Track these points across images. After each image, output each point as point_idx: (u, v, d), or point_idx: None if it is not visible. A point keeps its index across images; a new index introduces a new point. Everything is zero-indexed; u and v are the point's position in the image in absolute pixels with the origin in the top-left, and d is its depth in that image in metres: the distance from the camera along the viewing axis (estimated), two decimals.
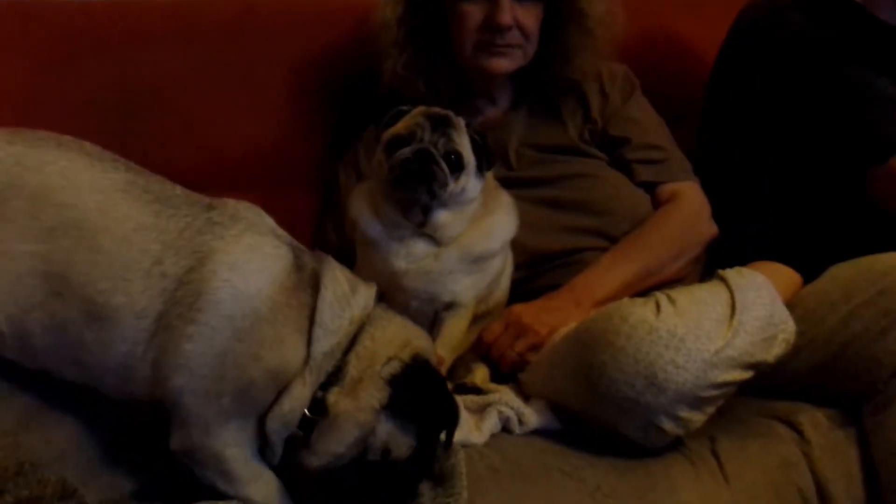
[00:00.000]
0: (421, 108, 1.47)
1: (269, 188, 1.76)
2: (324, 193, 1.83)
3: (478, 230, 1.49)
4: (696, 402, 1.23)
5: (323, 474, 1.03)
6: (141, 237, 1.02)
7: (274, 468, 1.06)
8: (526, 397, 1.39)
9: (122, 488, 1.06)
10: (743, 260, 1.50)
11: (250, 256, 1.04)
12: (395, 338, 1.09)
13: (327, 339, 1.04)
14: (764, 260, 1.59)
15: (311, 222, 1.80)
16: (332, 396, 1.03)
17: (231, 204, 1.11)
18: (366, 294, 1.12)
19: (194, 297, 1.00)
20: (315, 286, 1.06)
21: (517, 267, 1.62)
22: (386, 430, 1.03)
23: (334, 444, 1.02)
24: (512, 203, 1.56)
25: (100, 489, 1.04)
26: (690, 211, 1.68)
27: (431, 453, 1.09)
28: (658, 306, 1.26)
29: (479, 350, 1.52)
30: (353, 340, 1.06)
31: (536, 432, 1.31)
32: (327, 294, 1.06)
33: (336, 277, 1.10)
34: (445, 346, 1.48)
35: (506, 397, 1.33)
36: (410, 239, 1.46)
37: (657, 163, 1.72)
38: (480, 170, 1.48)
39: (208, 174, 1.70)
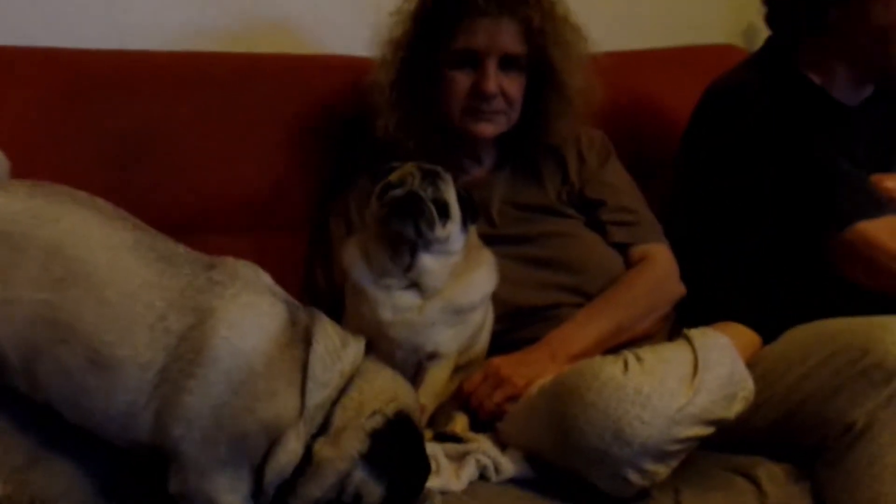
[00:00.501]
0: (412, 163, 1.57)
1: (261, 232, 1.83)
2: (312, 239, 1.89)
3: (460, 283, 1.57)
4: (661, 456, 1.31)
5: None
6: (146, 293, 1.10)
7: None
8: (503, 446, 1.47)
9: None
10: (708, 320, 1.60)
11: (247, 314, 1.11)
12: (382, 392, 1.16)
13: (319, 392, 1.12)
14: (727, 321, 1.69)
15: (300, 265, 1.86)
16: (318, 445, 1.10)
17: (230, 263, 1.18)
18: (356, 347, 1.19)
19: (195, 353, 1.07)
20: (307, 341, 1.13)
21: (497, 320, 1.69)
22: (361, 477, 1.10)
23: (315, 489, 1.09)
24: (493, 260, 1.65)
25: None
26: (660, 272, 1.77)
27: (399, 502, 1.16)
28: (626, 364, 1.35)
29: (460, 399, 1.60)
30: (341, 392, 1.14)
31: (512, 480, 1.39)
32: (319, 348, 1.14)
33: (327, 332, 1.17)
34: (428, 395, 1.56)
35: (484, 446, 1.41)
36: (397, 290, 1.54)
37: (630, 225, 1.81)
38: (465, 224, 1.57)
39: (203, 217, 1.78)
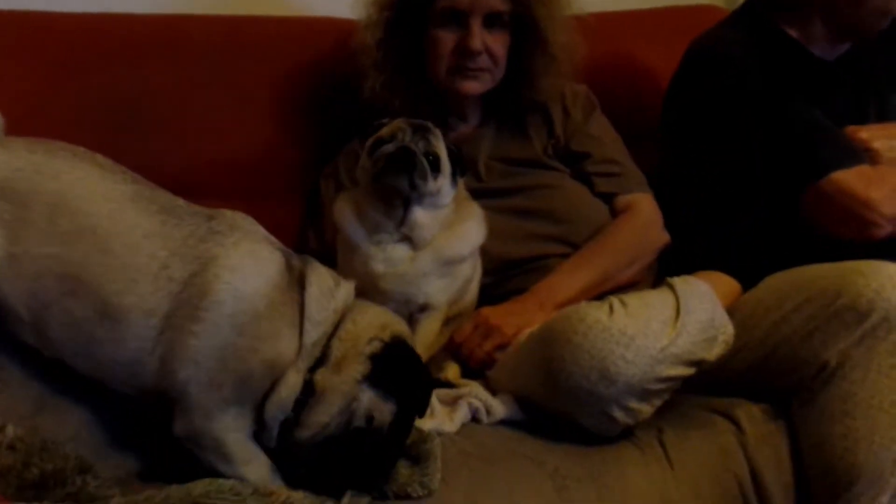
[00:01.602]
0: (401, 118, 1.59)
1: (253, 197, 1.84)
2: (306, 203, 1.93)
3: (450, 235, 1.61)
4: (644, 394, 1.36)
5: (312, 446, 1.15)
6: (149, 244, 1.13)
7: (269, 451, 1.18)
8: (493, 392, 1.53)
9: (128, 469, 1.17)
10: (690, 268, 1.65)
11: (248, 261, 1.15)
12: (375, 321, 1.20)
13: (315, 330, 1.16)
14: (708, 269, 1.74)
15: (292, 230, 1.88)
16: (319, 375, 1.15)
17: (228, 214, 1.22)
18: (347, 287, 1.24)
19: (199, 298, 1.11)
20: (302, 284, 1.18)
21: (486, 273, 1.74)
22: (368, 398, 1.15)
23: (321, 415, 1.14)
24: (482, 213, 1.69)
25: (108, 468, 1.15)
26: (644, 220, 1.81)
27: (411, 418, 1.22)
28: (611, 308, 1.39)
29: (451, 349, 1.65)
30: (336, 327, 1.18)
31: (503, 422, 1.44)
32: (313, 290, 1.18)
33: (321, 274, 1.22)
34: (420, 346, 1.58)
35: (475, 390, 1.47)
36: (389, 244, 1.58)
37: (615, 176, 1.84)
38: (454, 177, 1.61)
39: (197, 182, 1.78)
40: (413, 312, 1.62)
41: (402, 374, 1.19)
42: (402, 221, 1.58)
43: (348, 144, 1.87)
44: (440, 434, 1.35)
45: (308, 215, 1.92)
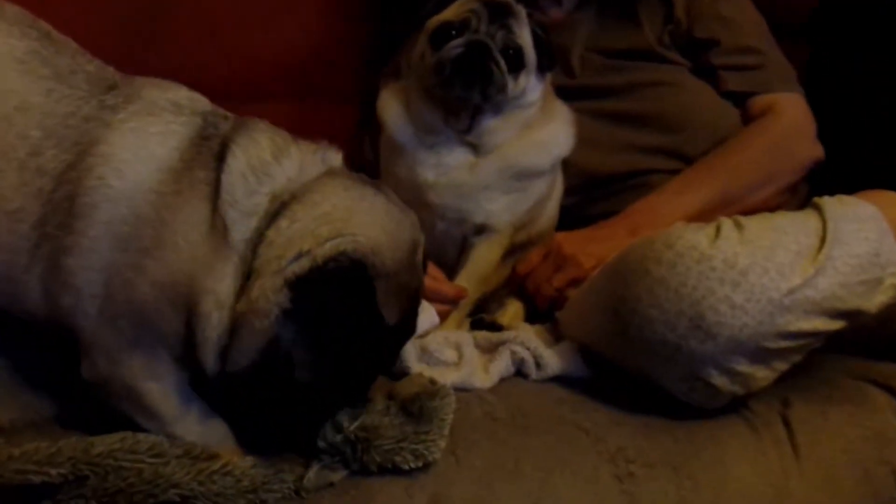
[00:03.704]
0: None
1: (302, 100, 1.63)
2: (362, 108, 1.67)
3: (526, 140, 1.31)
4: (760, 355, 0.99)
5: (240, 381, 0.85)
6: (21, 118, 0.86)
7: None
8: (558, 339, 1.18)
9: (42, 410, 0.93)
10: (852, 189, 1.22)
11: (128, 144, 0.85)
12: (324, 222, 0.84)
13: (245, 223, 0.84)
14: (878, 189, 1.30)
15: (347, 137, 1.63)
16: (241, 299, 0.83)
17: (139, 82, 0.92)
18: (298, 159, 0.89)
19: (70, 202, 0.84)
20: (223, 157, 0.86)
21: (570, 190, 1.42)
22: (288, 339, 0.83)
23: (238, 355, 0.83)
24: (570, 116, 1.36)
25: (18, 408, 0.92)
26: (787, 127, 1.42)
27: (344, 382, 0.88)
28: (718, 231, 1.02)
29: (514, 283, 1.33)
30: (271, 220, 0.85)
31: (559, 380, 1.10)
32: (237, 164, 0.85)
33: (255, 141, 0.88)
34: (471, 277, 1.30)
35: (523, 336, 1.12)
36: (444, 147, 1.29)
37: (750, 69, 1.46)
38: (541, 69, 1.30)
39: (236, 84, 1.58)
40: (468, 234, 1.33)
41: (332, 314, 0.82)
42: (468, 129, 1.28)
43: (410, 37, 1.56)
44: (467, 390, 1.03)
45: (364, 121, 1.64)
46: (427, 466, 0.89)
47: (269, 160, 0.86)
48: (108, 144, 0.84)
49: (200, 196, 0.84)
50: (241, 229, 0.84)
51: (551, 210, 1.38)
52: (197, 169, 0.84)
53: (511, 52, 1.24)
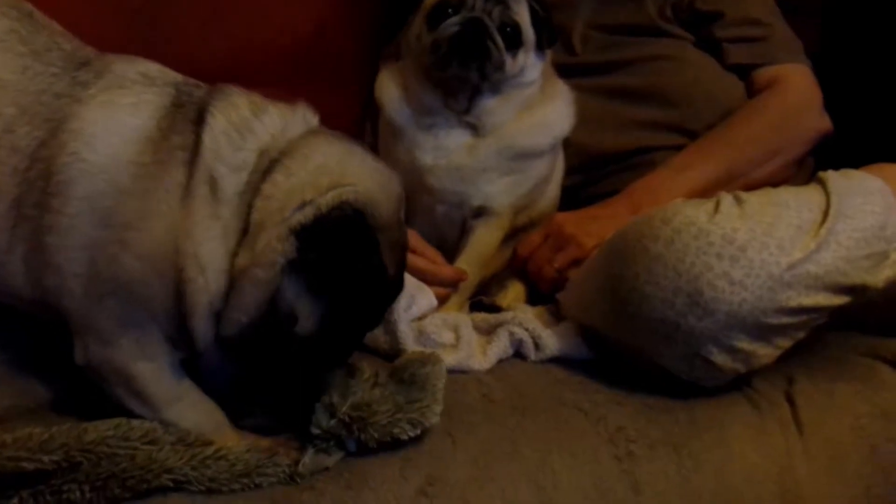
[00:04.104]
0: None
1: (304, 84, 1.52)
2: (367, 91, 1.64)
3: (526, 121, 1.28)
4: (760, 331, 0.97)
5: (234, 346, 0.84)
6: None
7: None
8: (559, 321, 1.16)
9: (37, 396, 0.93)
10: (859, 162, 1.19)
11: (99, 117, 0.84)
12: (321, 173, 0.84)
13: (235, 177, 0.83)
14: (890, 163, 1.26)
15: (350, 122, 1.60)
16: (240, 249, 0.82)
17: (109, 59, 0.91)
18: (280, 117, 0.88)
19: (45, 180, 0.82)
20: (202, 119, 0.84)
21: (571, 170, 1.39)
22: (293, 290, 0.82)
23: (237, 312, 0.82)
24: (570, 95, 1.33)
25: (13, 395, 0.92)
26: (794, 100, 1.38)
27: (343, 336, 0.87)
28: (717, 206, 1.00)
29: (516, 265, 1.31)
30: (264, 176, 0.84)
31: (559, 361, 1.08)
32: (217, 122, 0.84)
33: (233, 103, 0.86)
34: (472, 261, 1.28)
35: (521, 317, 1.10)
36: (443, 128, 1.27)
37: (755, 41, 1.41)
38: (540, 47, 1.27)
39: (237, 67, 1.52)
40: (467, 217, 1.30)
41: (339, 262, 0.82)
42: (467, 110, 1.26)
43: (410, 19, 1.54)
44: (464, 372, 1.02)
45: (367, 104, 1.61)
46: (423, 443, 0.88)
47: (249, 117, 0.86)
48: (79, 119, 0.83)
49: (178, 161, 0.82)
50: (233, 182, 0.83)
51: (552, 192, 1.36)
52: (173, 136, 0.83)
53: (508, 29, 1.22)
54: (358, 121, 1.64)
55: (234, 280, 0.82)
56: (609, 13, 1.46)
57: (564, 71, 1.37)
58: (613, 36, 1.45)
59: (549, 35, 1.28)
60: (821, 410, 1.03)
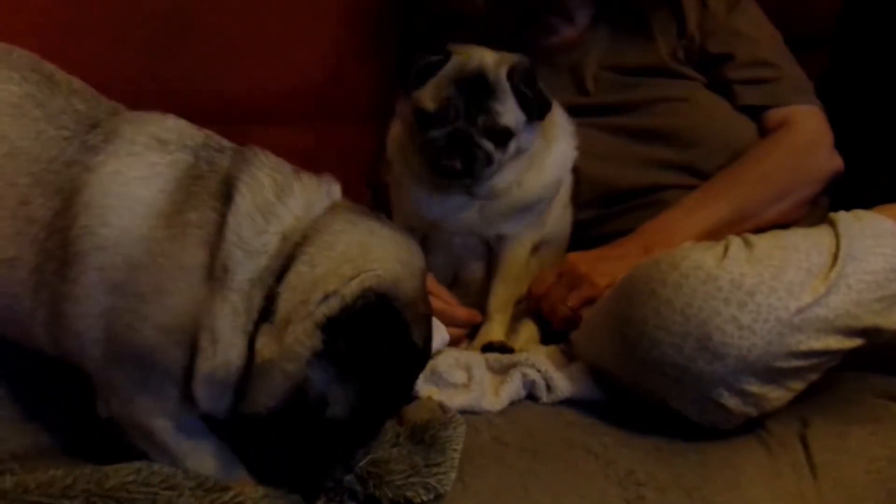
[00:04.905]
0: (450, 70, 1.26)
1: (320, 122, 1.62)
2: (383, 128, 1.66)
3: (530, 174, 1.31)
4: (771, 375, 0.97)
5: (259, 425, 0.86)
6: (11, 165, 0.85)
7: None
8: (571, 361, 1.17)
9: (49, 442, 0.94)
10: (870, 202, 1.19)
11: (110, 189, 0.83)
12: (344, 261, 0.83)
13: (252, 262, 0.83)
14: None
15: (366, 158, 1.63)
16: (261, 337, 0.83)
17: (119, 118, 0.90)
18: (303, 197, 0.87)
19: (62, 250, 0.83)
20: (228, 196, 0.84)
21: (584, 206, 1.40)
22: (321, 378, 0.83)
23: (263, 396, 0.83)
24: (570, 126, 1.36)
25: (33, 434, 0.94)
26: (804, 140, 1.37)
27: (374, 415, 0.89)
28: (727, 250, 1.00)
29: (530, 305, 1.32)
30: (288, 262, 0.84)
31: (570, 402, 1.09)
32: (244, 203, 0.84)
33: (257, 180, 0.85)
34: (506, 277, 1.33)
35: (534, 358, 1.11)
36: (450, 195, 1.30)
37: (766, 82, 1.42)
38: (531, 119, 1.28)
39: (255, 105, 1.58)
40: (491, 242, 1.35)
41: (368, 353, 0.83)
42: (469, 186, 1.29)
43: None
44: (476, 413, 1.03)
45: (383, 142, 1.64)
46: (437, 497, 0.88)
47: (273, 201, 0.86)
48: (90, 191, 0.84)
49: (196, 240, 0.83)
50: (247, 269, 0.83)
51: (566, 215, 1.40)
52: (188, 211, 0.83)
53: (496, 132, 1.23)
54: (375, 157, 1.67)
55: (259, 367, 0.83)
56: (621, 54, 1.47)
57: (577, 111, 1.39)
58: (626, 77, 1.46)
59: (540, 108, 1.28)
60: (835, 453, 1.02)
